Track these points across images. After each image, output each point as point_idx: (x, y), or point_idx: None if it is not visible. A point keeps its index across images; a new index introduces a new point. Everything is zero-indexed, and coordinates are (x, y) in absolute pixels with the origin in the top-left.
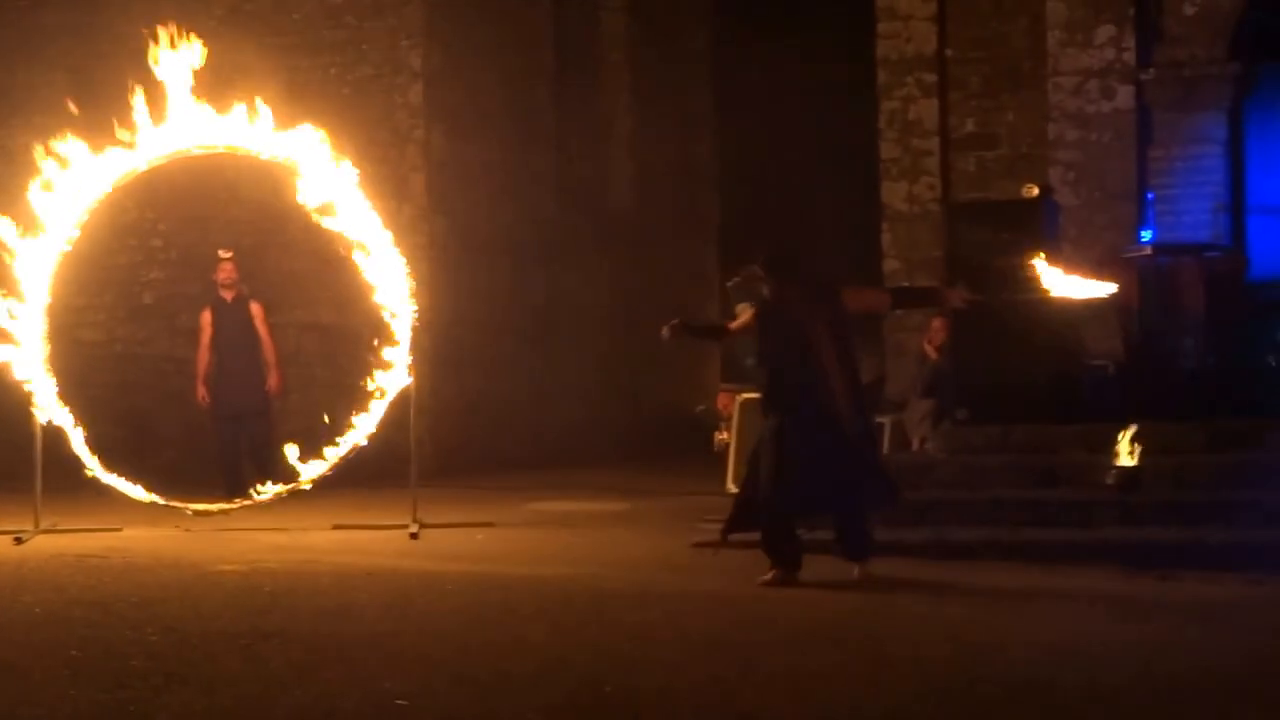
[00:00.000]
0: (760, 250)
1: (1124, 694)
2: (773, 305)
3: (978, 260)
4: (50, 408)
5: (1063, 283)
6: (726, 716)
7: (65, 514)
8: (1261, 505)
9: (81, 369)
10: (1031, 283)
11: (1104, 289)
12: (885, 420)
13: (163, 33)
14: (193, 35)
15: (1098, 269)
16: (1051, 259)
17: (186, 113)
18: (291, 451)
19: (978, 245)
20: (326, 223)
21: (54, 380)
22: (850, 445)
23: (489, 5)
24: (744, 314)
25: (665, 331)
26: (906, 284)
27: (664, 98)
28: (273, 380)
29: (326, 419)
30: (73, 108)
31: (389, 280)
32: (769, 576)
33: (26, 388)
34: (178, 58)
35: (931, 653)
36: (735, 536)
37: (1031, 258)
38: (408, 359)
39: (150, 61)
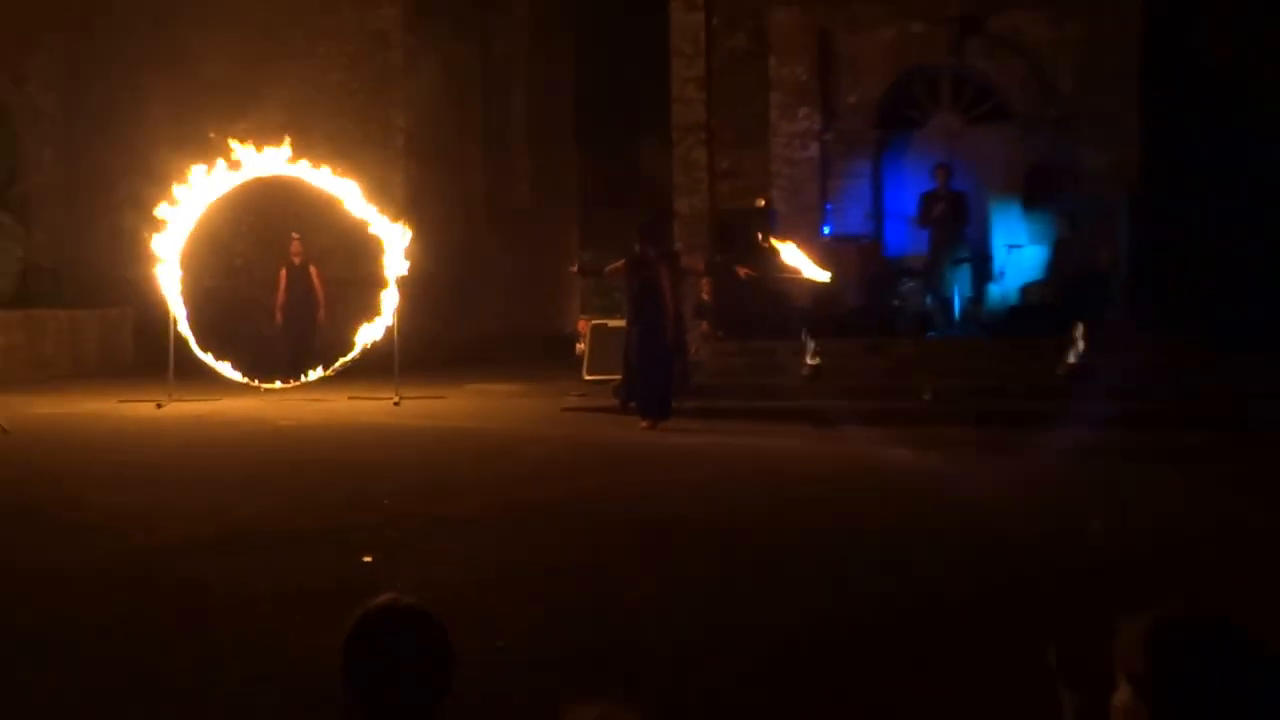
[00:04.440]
0: (638, 226)
1: (825, 477)
2: (639, 258)
3: (738, 246)
4: (181, 321)
5: (805, 266)
6: (592, 510)
7: (187, 391)
8: (887, 387)
9: (201, 302)
10: (785, 265)
11: (824, 274)
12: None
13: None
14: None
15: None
16: (800, 246)
17: (262, 155)
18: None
19: (731, 236)
20: (349, 215)
21: (185, 308)
22: (669, 348)
23: (449, 86)
24: (615, 263)
25: (573, 269)
26: (719, 258)
27: (548, 127)
28: (320, 314)
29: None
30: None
31: (388, 250)
32: (645, 424)
33: (168, 312)
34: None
35: (702, 464)
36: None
37: (785, 246)
38: (395, 298)
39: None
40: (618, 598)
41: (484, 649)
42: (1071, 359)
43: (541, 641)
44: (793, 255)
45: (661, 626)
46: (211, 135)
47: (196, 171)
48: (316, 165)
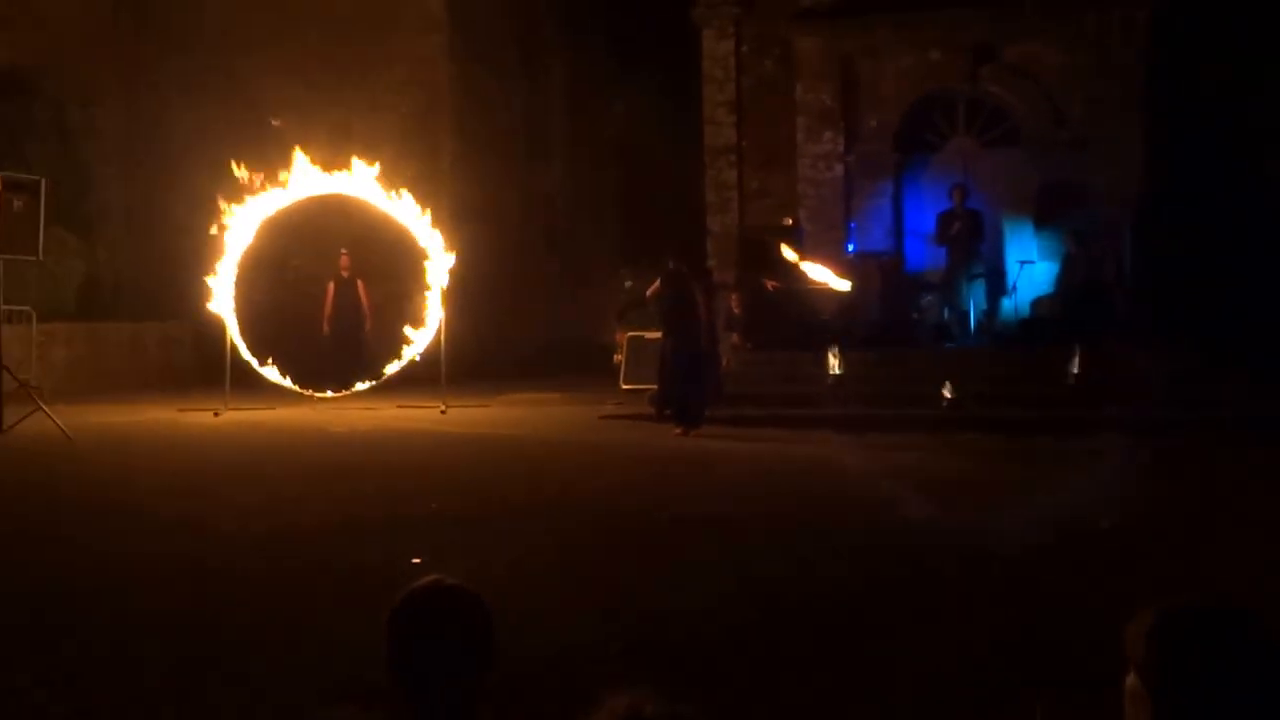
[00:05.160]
0: (670, 245)
1: (845, 481)
2: (673, 276)
3: (763, 261)
4: (234, 335)
5: (826, 278)
6: (630, 511)
7: (243, 400)
8: (906, 394)
9: (253, 316)
10: (803, 275)
11: (845, 284)
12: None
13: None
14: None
15: (830, 266)
16: (813, 259)
17: (318, 173)
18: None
19: (759, 252)
20: (398, 231)
21: (240, 320)
22: (701, 359)
23: (491, 108)
24: (653, 286)
25: (618, 320)
26: (749, 274)
27: (588, 145)
28: (367, 325)
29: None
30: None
31: (434, 263)
32: (679, 430)
33: (224, 325)
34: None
35: (732, 468)
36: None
37: (801, 260)
38: (440, 311)
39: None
40: (655, 593)
41: (526, 642)
42: (1075, 369)
43: (581, 634)
44: (814, 269)
45: (697, 619)
46: (275, 123)
47: (254, 188)
48: (373, 185)
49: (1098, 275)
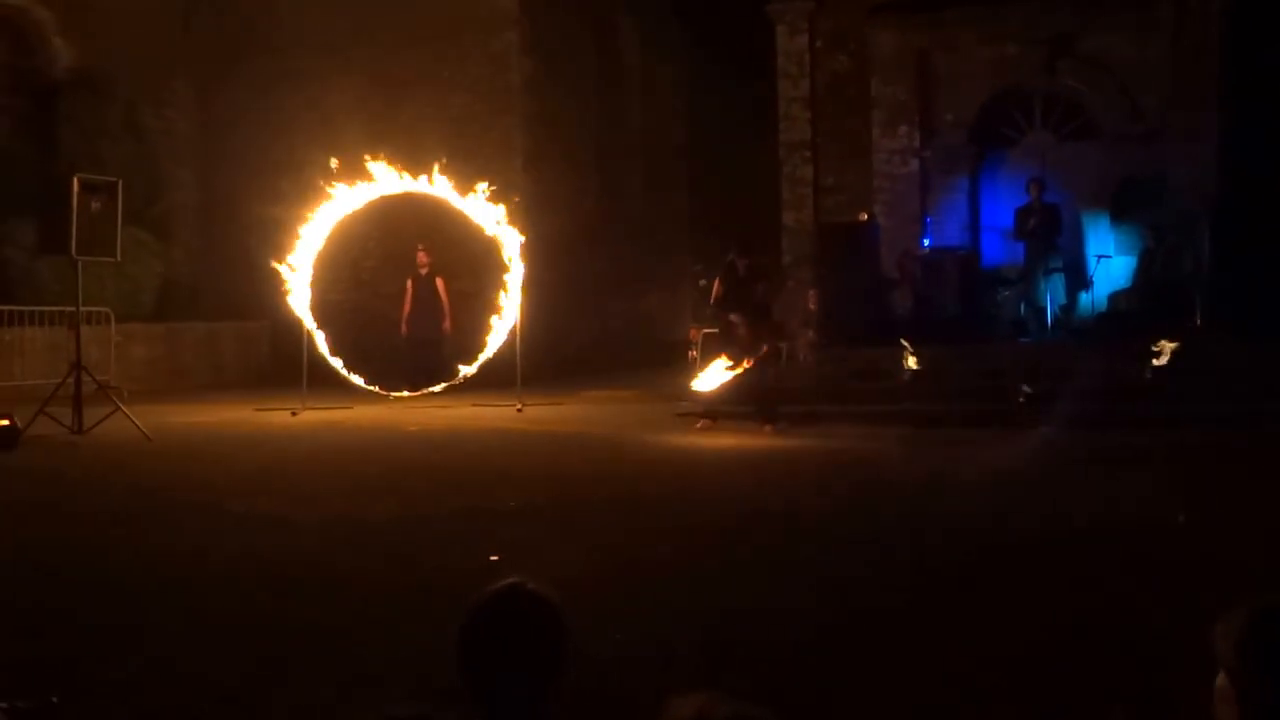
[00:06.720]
0: (736, 241)
1: (913, 473)
2: (736, 269)
3: (847, 260)
4: (313, 333)
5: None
6: (708, 508)
7: (320, 399)
8: (985, 390)
9: (330, 315)
10: None
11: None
12: (784, 344)
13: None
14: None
15: (899, 260)
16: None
17: (388, 173)
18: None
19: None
20: (473, 229)
21: (315, 320)
22: (770, 355)
23: (564, 106)
24: (715, 288)
25: (720, 318)
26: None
27: (660, 141)
28: (446, 324)
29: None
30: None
31: (509, 264)
32: (700, 425)
33: (301, 325)
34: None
35: (807, 464)
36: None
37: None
38: (516, 310)
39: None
40: (727, 592)
41: (598, 642)
42: (1156, 362)
43: (654, 633)
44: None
45: (770, 619)
46: (334, 162)
47: (326, 189)
48: (454, 186)
49: (1175, 269)
